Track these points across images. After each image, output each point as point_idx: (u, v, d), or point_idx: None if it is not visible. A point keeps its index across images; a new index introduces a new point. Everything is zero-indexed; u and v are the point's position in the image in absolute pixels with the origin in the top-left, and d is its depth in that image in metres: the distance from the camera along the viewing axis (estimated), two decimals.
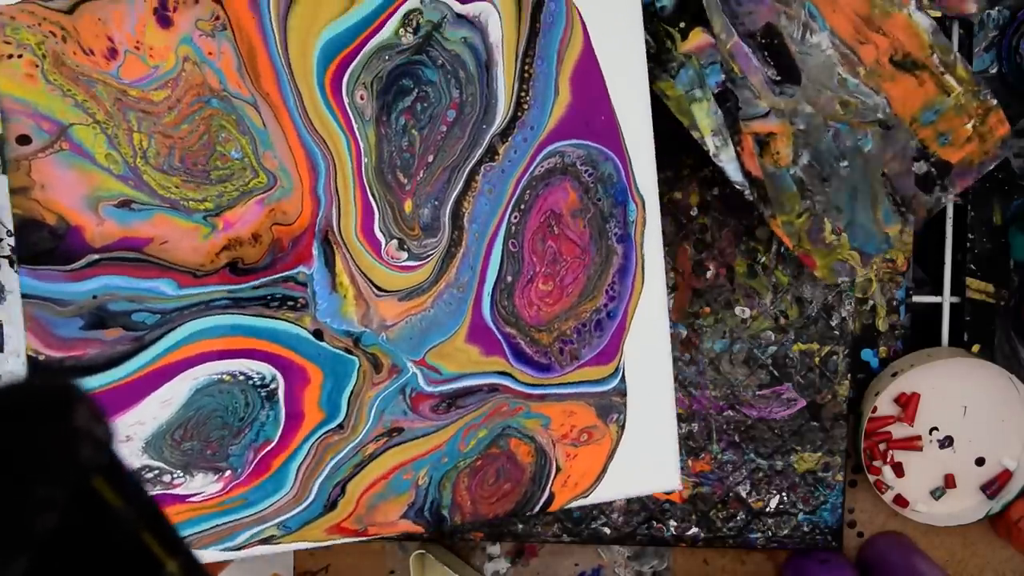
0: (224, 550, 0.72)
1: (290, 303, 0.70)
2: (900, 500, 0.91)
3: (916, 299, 0.91)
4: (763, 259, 0.88)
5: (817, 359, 0.86)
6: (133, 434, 0.69)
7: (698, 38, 0.76)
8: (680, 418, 0.83)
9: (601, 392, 0.75)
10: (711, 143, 0.77)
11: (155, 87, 0.67)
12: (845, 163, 0.78)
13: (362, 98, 0.70)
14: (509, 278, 0.73)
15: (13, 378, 0.30)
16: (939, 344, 0.91)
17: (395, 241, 0.71)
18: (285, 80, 0.68)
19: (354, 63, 0.69)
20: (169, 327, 0.68)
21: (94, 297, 0.67)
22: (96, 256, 0.67)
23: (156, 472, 0.70)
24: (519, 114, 0.72)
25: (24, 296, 0.66)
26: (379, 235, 0.71)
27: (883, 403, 0.89)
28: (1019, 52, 0.85)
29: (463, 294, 0.73)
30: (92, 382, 0.68)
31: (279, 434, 0.71)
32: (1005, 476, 0.90)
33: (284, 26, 0.68)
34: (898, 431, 0.90)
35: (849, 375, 0.87)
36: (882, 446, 0.89)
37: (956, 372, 0.88)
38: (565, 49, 0.71)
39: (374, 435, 0.72)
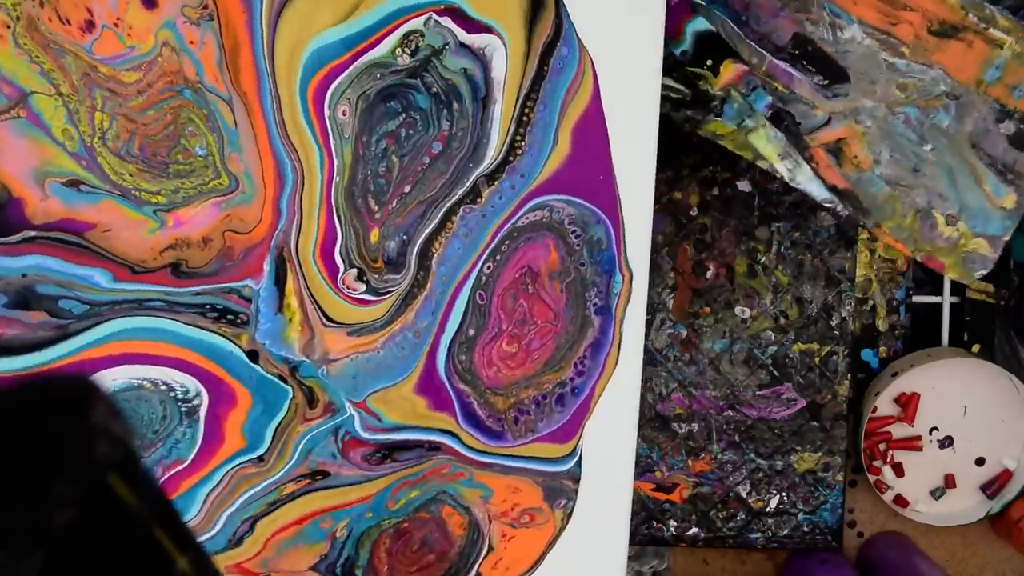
0: None
1: (230, 317, 0.64)
2: (900, 500, 0.89)
3: (916, 299, 0.90)
4: (763, 259, 0.86)
5: (817, 359, 0.85)
6: None
7: (731, 70, 0.70)
8: (680, 418, 0.81)
9: (553, 473, 0.68)
10: (783, 169, 0.72)
11: (128, 68, 0.62)
12: (929, 146, 0.73)
13: (344, 114, 0.64)
14: (471, 331, 0.66)
15: (32, 377, 0.31)
16: (939, 344, 0.90)
17: (354, 270, 0.65)
18: (266, 82, 0.63)
19: (342, 76, 0.63)
20: (96, 320, 0.63)
21: (24, 276, 0.62)
22: (33, 233, 0.62)
23: None
24: (511, 158, 0.65)
25: None
26: (338, 261, 0.65)
27: (883, 403, 0.88)
28: None
29: (419, 340, 0.66)
30: (6, 364, 0.62)
31: (193, 455, 0.64)
32: (1005, 476, 0.89)
33: (275, 26, 0.62)
34: (898, 431, 0.89)
35: (849, 375, 0.86)
36: (882, 446, 0.88)
37: (956, 372, 0.87)
38: (571, 97, 0.65)
39: (296, 474, 0.66)
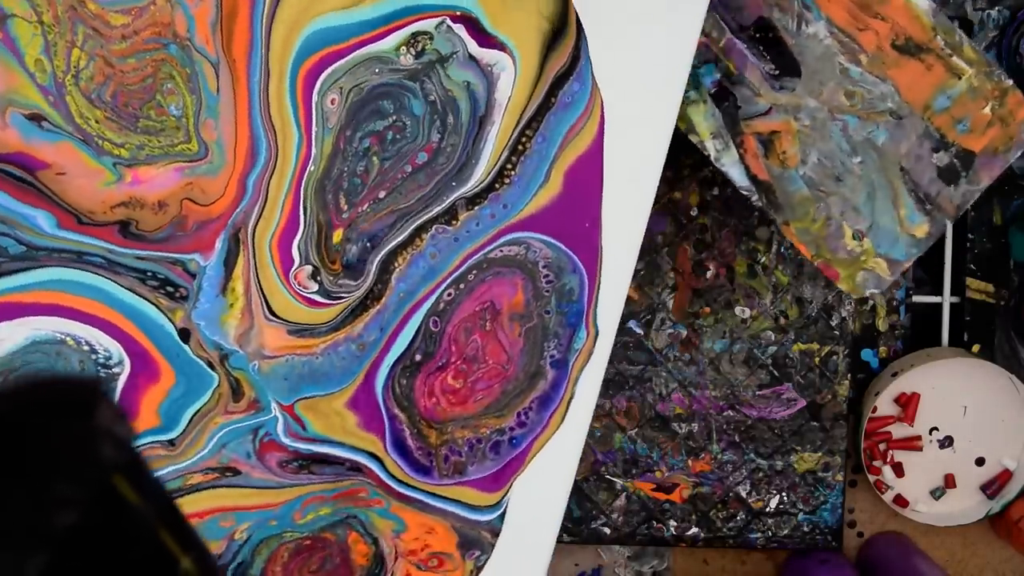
0: None
1: (169, 289, 0.59)
2: (900, 500, 0.89)
3: (916, 299, 0.89)
4: (763, 259, 0.85)
5: (817, 359, 0.84)
6: None
7: None
8: (680, 418, 0.80)
9: (473, 521, 0.63)
10: (711, 147, 0.69)
11: (117, 9, 0.57)
12: (858, 159, 0.70)
13: (333, 103, 0.59)
14: (418, 356, 0.61)
15: (37, 378, 0.31)
16: (939, 344, 0.89)
17: (310, 267, 0.60)
18: (258, 53, 0.58)
19: (339, 63, 0.59)
20: (31, 264, 0.58)
21: None
22: None
23: None
24: (497, 186, 0.60)
25: None
26: (295, 254, 0.60)
27: (883, 403, 0.87)
28: (1019, 52, 0.83)
29: (362, 354, 0.61)
30: None
31: None
32: (1005, 476, 0.88)
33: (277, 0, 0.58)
34: (898, 431, 0.88)
35: (849, 375, 0.85)
36: (882, 446, 0.87)
37: (956, 372, 0.86)
38: (573, 136, 0.60)
39: (205, 466, 0.61)
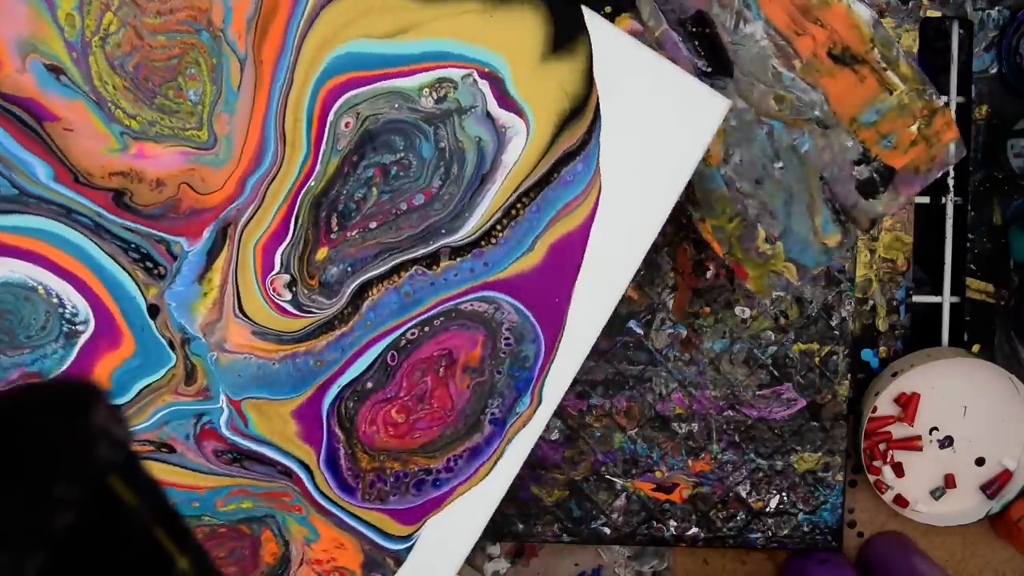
0: None
1: (149, 265, 0.60)
2: (900, 500, 0.87)
3: (916, 299, 0.88)
4: None
5: (817, 359, 0.83)
6: None
7: (624, 24, 0.66)
8: (680, 418, 0.79)
9: (382, 546, 0.64)
10: None
11: None
12: (780, 164, 0.69)
13: (347, 126, 0.59)
14: (369, 385, 0.62)
15: (33, 379, 0.30)
16: (939, 344, 0.88)
17: (288, 277, 0.60)
18: (286, 60, 0.58)
19: (361, 89, 0.59)
20: (19, 209, 0.58)
21: None
22: None
23: None
24: (483, 243, 0.61)
25: None
26: (277, 261, 0.60)
27: (883, 403, 0.86)
28: (1019, 52, 0.81)
29: (317, 370, 0.61)
30: None
31: (52, 376, 0.60)
32: (1005, 476, 0.87)
33: (319, 11, 0.58)
34: (898, 431, 0.86)
35: (849, 375, 0.84)
36: (882, 446, 0.86)
37: (956, 372, 0.85)
38: (565, 213, 0.60)
39: (143, 438, 0.62)
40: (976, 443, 0.87)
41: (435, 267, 0.61)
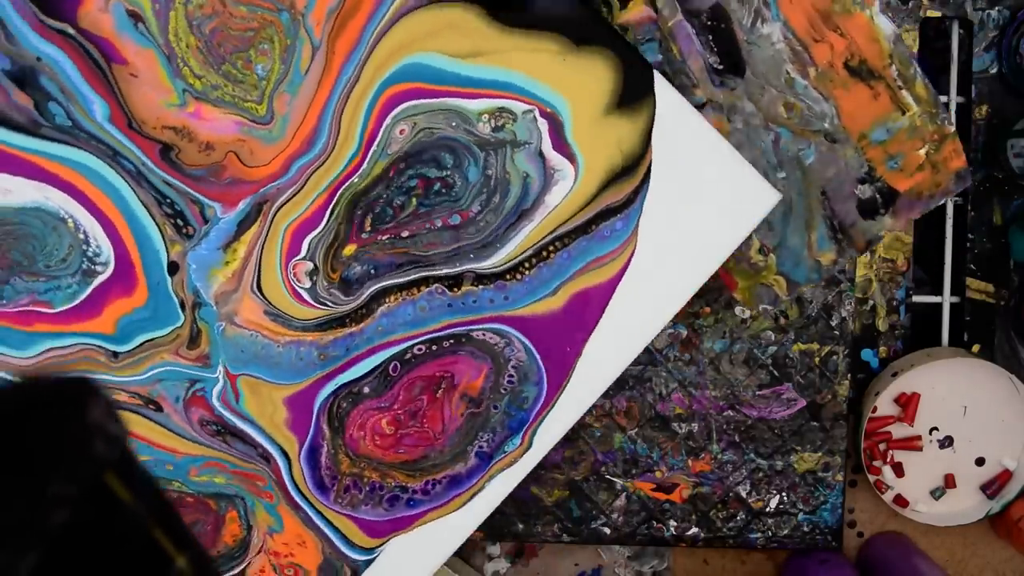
0: None
1: (179, 223, 0.59)
2: (900, 500, 0.85)
3: (916, 299, 0.86)
4: None
5: (817, 359, 0.81)
6: None
7: (638, 9, 0.63)
8: (680, 418, 0.78)
9: (343, 553, 0.62)
10: None
11: None
12: (783, 174, 0.66)
13: (401, 132, 0.58)
14: (366, 389, 0.61)
15: (27, 375, 0.28)
16: (939, 344, 0.86)
17: (311, 265, 0.59)
18: (358, 56, 0.58)
19: (423, 101, 0.58)
20: (70, 141, 0.58)
21: (38, 59, 0.57)
22: (72, 31, 0.57)
23: None
24: (508, 277, 0.59)
25: None
26: (304, 246, 0.59)
27: (883, 403, 0.84)
28: (1019, 52, 0.79)
29: (320, 363, 0.60)
30: None
31: (62, 309, 0.60)
32: (1005, 476, 0.86)
33: (398, 18, 0.57)
34: (898, 431, 0.85)
35: (849, 375, 0.82)
36: (882, 446, 0.84)
37: (956, 372, 0.83)
38: (595, 267, 0.59)
39: (134, 391, 0.61)
40: (976, 443, 0.86)
41: (456, 289, 0.60)
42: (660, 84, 0.58)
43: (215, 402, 0.61)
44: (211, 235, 0.59)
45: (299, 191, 0.59)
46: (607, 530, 0.81)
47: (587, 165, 0.58)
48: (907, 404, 0.83)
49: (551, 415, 0.60)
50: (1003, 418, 0.84)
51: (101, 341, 0.60)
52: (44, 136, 0.58)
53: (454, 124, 0.58)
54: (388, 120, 0.58)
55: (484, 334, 0.60)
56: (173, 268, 0.59)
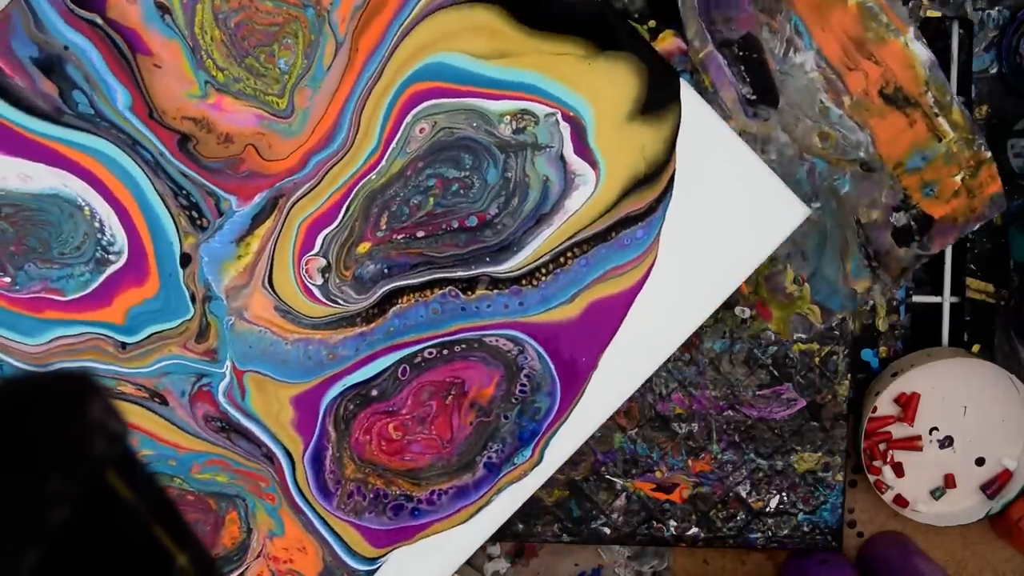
0: None
1: (194, 215, 0.58)
2: (900, 500, 0.85)
3: (916, 299, 0.84)
4: None
5: (817, 359, 0.80)
6: None
7: (668, 41, 0.62)
8: (680, 418, 0.77)
9: (343, 562, 0.60)
10: None
11: None
12: (817, 204, 0.64)
13: (421, 131, 0.57)
14: (374, 392, 0.59)
15: (28, 373, 0.28)
16: (939, 344, 0.85)
17: (324, 261, 0.58)
18: (380, 55, 0.56)
19: (444, 100, 0.57)
20: (91, 129, 0.57)
21: (66, 48, 0.57)
22: (100, 21, 0.57)
23: None
24: (523, 283, 0.57)
25: None
26: (318, 242, 0.58)
27: (883, 403, 0.83)
28: (1019, 52, 0.78)
29: (329, 363, 0.58)
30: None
31: (74, 296, 0.59)
32: (1005, 476, 0.85)
33: (422, 18, 0.56)
34: (898, 431, 0.84)
35: (849, 375, 0.80)
36: (882, 446, 0.84)
37: (956, 372, 0.82)
38: (614, 276, 0.57)
39: (141, 383, 0.59)
40: (976, 443, 0.84)
41: (470, 293, 0.58)
42: (686, 91, 0.56)
43: (221, 398, 0.59)
44: (225, 228, 0.58)
45: (316, 186, 0.57)
46: (607, 530, 0.79)
47: (609, 171, 0.56)
48: (907, 404, 0.82)
49: (564, 428, 0.57)
50: (1003, 418, 0.83)
51: (110, 331, 0.58)
52: (66, 124, 0.57)
53: (475, 124, 0.57)
54: (408, 118, 0.57)
55: (497, 340, 0.58)
56: (185, 260, 0.58)
